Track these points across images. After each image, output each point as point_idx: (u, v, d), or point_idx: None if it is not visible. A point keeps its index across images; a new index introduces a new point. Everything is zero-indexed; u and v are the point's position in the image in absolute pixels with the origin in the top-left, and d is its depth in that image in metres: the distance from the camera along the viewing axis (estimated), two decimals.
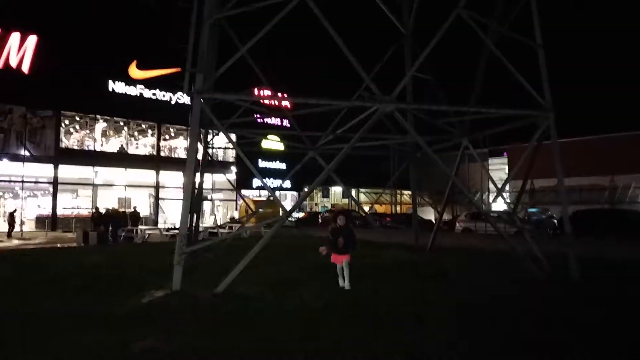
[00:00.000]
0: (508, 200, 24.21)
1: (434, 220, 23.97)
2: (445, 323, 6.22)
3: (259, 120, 35.01)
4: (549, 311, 6.99)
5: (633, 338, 5.49)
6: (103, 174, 32.90)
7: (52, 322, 6.22)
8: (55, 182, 30.32)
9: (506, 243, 11.24)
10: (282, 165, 39.53)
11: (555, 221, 23.28)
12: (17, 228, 25.82)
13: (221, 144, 29.27)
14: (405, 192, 45.32)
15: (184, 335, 5.60)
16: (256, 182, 38.94)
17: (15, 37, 28.47)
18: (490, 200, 31.54)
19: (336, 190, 49.45)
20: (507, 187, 32.18)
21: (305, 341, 5.26)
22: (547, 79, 10.41)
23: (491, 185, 33.85)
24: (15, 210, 26.22)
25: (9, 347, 5.18)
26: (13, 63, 28.39)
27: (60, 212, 30.44)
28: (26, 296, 8.13)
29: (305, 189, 10.39)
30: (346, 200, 48.31)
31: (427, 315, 6.63)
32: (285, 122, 37.09)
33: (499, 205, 28.31)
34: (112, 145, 34.48)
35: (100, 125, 33.77)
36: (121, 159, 33.37)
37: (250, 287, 8.54)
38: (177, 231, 9.40)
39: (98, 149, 33.13)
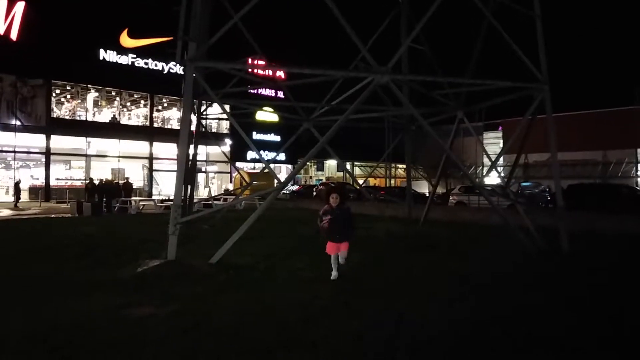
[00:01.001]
0: (502, 174, 24.34)
1: (427, 194, 24.07)
2: (436, 293, 6.32)
3: (252, 91, 34.69)
4: (536, 281, 7.11)
5: (615, 309, 5.62)
6: (96, 144, 32.65)
7: (47, 288, 6.26)
8: (47, 153, 30.07)
9: (499, 216, 11.35)
10: (277, 138, 39.35)
11: (548, 195, 23.43)
12: (11, 199, 25.80)
13: (215, 115, 28.96)
14: (400, 165, 45.39)
15: (179, 301, 5.65)
16: (250, 154, 38.81)
17: (2, 3, 27.76)
18: (484, 173, 31.64)
19: (331, 163, 49.46)
20: (500, 161, 32.34)
21: (296, 307, 5.33)
22: (544, 51, 10.32)
23: (486, 160, 33.94)
24: (19, 181, 26.31)
25: (4, 310, 5.22)
26: (1, 30, 27.75)
27: (53, 182, 30.29)
28: (21, 263, 8.16)
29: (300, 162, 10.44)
30: (341, 174, 48.37)
31: (417, 285, 6.73)
32: (280, 94, 36.77)
33: (493, 180, 28.46)
34: (104, 115, 34.10)
35: (92, 95, 33.31)
36: (114, 129, 33.05)
37: (244, 258, 8.60)
38: (171, 202, 9.36)
39: (90, 119, 32.77)
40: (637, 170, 34.63)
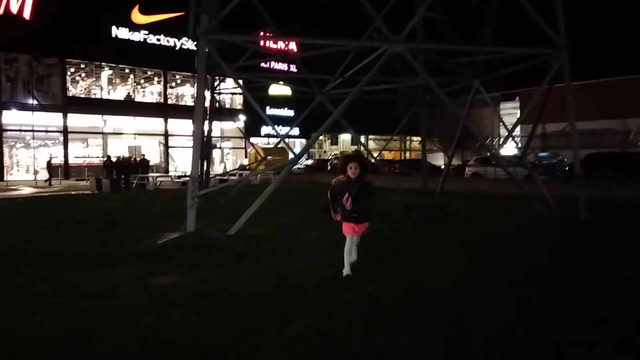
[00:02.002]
0: (519, 145, 24.03)
1: (443, 166, 23.92)
2: (451, 259, 6.38)
3: (265, 66, 34.47)
4: (553, 247, 7.12)
5: (631, 272, 5.62)
6: (112, 122, 32.97)
7: (70, 260, 6.46)
8: (65, 131, 30.50)
9: (515, 187, 11.30)
10: (290, 113, 39.27)
11: (566, 165, 23.13)
12: (31, 177, 26.45)
13: (228, 90, 28.96)
14: (415, 138, 45.04)
15: (199, 270, 5.80)
16: (264, 129, 38.84)
17: None
18: (501, 144, 31.26)
19: (345, 137, 49.31)
20: (518, 132, 31.87)
21: (313, 275, 5.43)
22: (562, 14, 10.04)
23: (502, 131, 33.49)
24: (51, 158, 27.05)
25: (28, 280, 5.42)
26: (14, 9, 27.86)
27: (72, 160, 30.82)
28: (43, 236, 8.40)
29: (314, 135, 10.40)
30: (355, 147, 48.23)
31: (432, 252, 6.79)
32: (293, 68, 36.50)
33: (509, 150, 28.11)
34: (119, 93, 34.34)
35: (106, 73, 33.49)
36: (129, 107, 33.30)
37: (261, 229, 8.74)
38: (188, 178, 9.49)
39: (105, 97, 33.02)
40: None
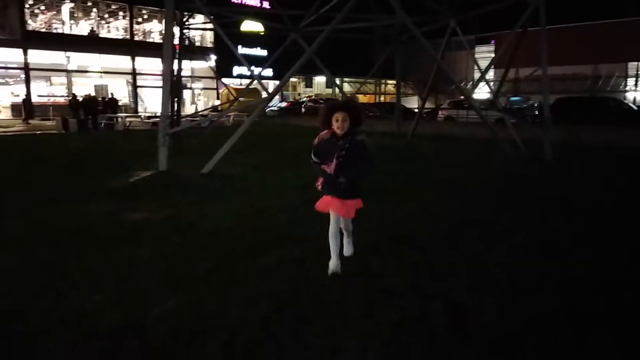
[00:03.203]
0: (492, 88, 24.17)
1: (417, 109, 24.01)
2: (421, 196, 6.57)
3: (236, 0, 33.05)
4: (514, 183, 7.40)
5: (581, 204, 5.93)
6: (76, 59, 31.46)
7: (40, 197, 6.37)
8: (26, 68, 29.00)
9: (486, 130, 11.48)
10: (264, 52, 38.15)
11: (536, 110, 23.53)
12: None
13: (198, 26, 27.75)
14: (390, 82, 44.70)
15: (172, 207, 5.83)
16: (237, 69, 37.80)
17: None
18: (476, 88, 31.38)
19: (320, 80, 48.52)
20: (491, 76, 31.96)
21: (287, 210, 5.53)
22: None
23: (477, 75, 33.48)
24: (27, 97, 26.51)
25: (1, 217, 5.35)
26: None
27: (35, 99, 29.52)
28: (10, 174, 8.21)
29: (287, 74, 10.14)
30: (330, 90, 47.64)
31: (403, 188, 6.96)
32: (265, 4, 35.14)
33: (483, 94, 28.30)
34: (82, 28, 32.55)
35: (67, 5, 31.54)
36: (93, 43, 31.70)
37: (235, 168, 8.74)
38: (158, 119, 9.28)
39: (67, 32, 31.29)
40: (626, 84, 34.58)
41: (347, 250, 4.01)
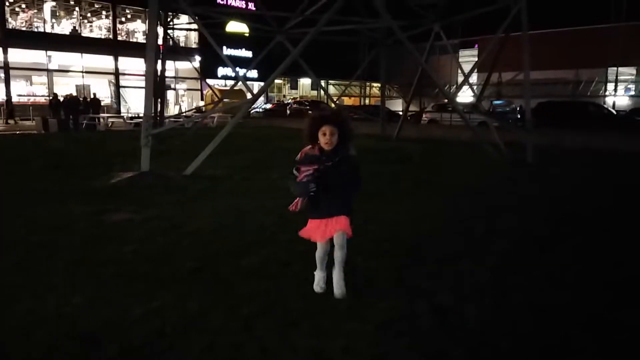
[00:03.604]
0: (475, 92, 24.46)
1: (401, 113, 24.18)
2: (405, 197, 6.59)
3: (221, 2, 32.88)
4: (497, 184, 7.49)
5: (561, 205, 6.01)
6: (57, 58, 30.97)
7: (21, 197, 6.25)
8: (6, 67, 28.44)
9: (470, 133, 11.61)
10: (249, 54, 38.01)
11: (518, 114, 23.85)
12: None
13: (182, 26, 27.52)
14: (375, 84, 44.89)
15: (155, 207, 5.75)
16: (221, 70, 37.60)
17: None
18: (459, 91, 31.66)
19: (305, 82, 48.51)
20: (475, 80, 32.32)
21: (272, 212, 5.48)
22: None
23: (460, 79, 33.82)
24: (10, 97, 26.29)
25: None
26: None
27: (15, 99, 28.96)
28: None
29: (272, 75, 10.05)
30: (315, 93, 47.65)
31: (387, 191, 6.98)
32: (251, 6, 35.05)
33: (466, 98, 28.61)
34: (64, 27, 32.07)
35: (49, 4, 31.05)
36: (75, 42, 31.24)
37: (219, 170, 8.69)
38: (141, 120, 9.17)
39: (49, 30, 30.79)
40: (605, 89, 35.25)
41: (338, 288, 3.18)
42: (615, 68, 33.95)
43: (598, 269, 3.85)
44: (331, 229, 3.17)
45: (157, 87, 12.11)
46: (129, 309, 2.96)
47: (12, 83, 28.84)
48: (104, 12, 33.62)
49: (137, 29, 35.50)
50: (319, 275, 3.34)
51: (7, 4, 29.04)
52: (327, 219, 3.17)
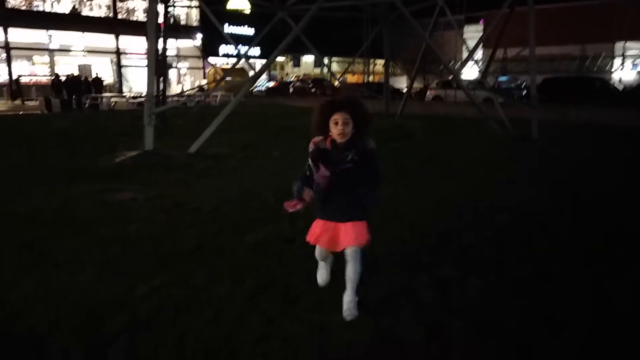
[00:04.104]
0: (480, 68, 24.17)
1: (405, 90, 23.97)
2: (408, 174, 6.58)
3: None
4: (503, 162, 7.46)
5: (564, 180, 6.01)
6: (58, 38, 30.72)
7: (26, 177, 6.28)
8: (7, 47, 28.26)
9: (474, 109, 11.51)
10: (250, 31, 37.56)
11: (524, 89, 23.59)
12: None
13: (183, 3, 27.15)
14: (379, 61, 44.36)
15: (159, 186, 5.77)
16: (223, 49, 37.22)
17: None
18: (464, 67, 31.29)
19: (308, 59, 48.01)
20: (480, 56, 31.89)
21: (275, 189, 5.48)
22: None
23: (465, 55, 33.40)
24: (19, 76, 26.46)
25: None
26: None
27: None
28: None
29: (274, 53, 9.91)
30: (318, 70, 47.21)
31: (391, 168, 6.96)
32: None
33: (470, 74, 28.29)
34: (64, 6, 31.72)
35: None
36: (76, 21, 30.94)
37: (222, 148, 8.68)
38: (143, 99, 9.13)
39: (48, 9, 30.47)
40: (612, 65, 34.74)
41: (348, 310, 2.64)
42: (623, 43, 33.39)
43: (599, 241, 3.86)
44: (341, 241, 2.64)
45: (158, 66, 12.01)
46: (134, 285, 3.00)
47: (14, 63, 28.71)
48: None
49: (137, 7, 35.08)
50: (321, 268, 3.01)
51: None
52: (335, 224, 2.66)
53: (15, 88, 25.38)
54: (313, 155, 2.68)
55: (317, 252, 2.92)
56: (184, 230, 4.12)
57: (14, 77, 26.91)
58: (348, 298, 2.69)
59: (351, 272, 2.66)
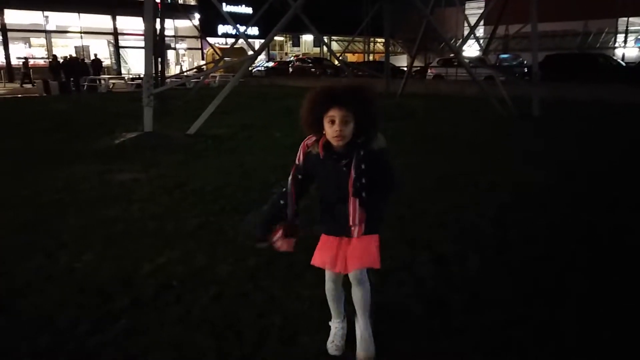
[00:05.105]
0: (482, 45, 23.90)
1: (406, 68, 23.75)
2: (408, 152, 6.58)
3: None
4: (503, 140, 7.45)
5: (564, 158, 6.01)
6: (55, 19, 30.40)
7: (26, 159, 6.28)
8: (3, 29, 27.99)
9: (476, 87, 11.43)
10: (249, 10, 37.07)
11: (525, 67, 23.37)
12: None
13: None
14: (379, 40, 43.87)
15: (159, 167, 5.78)
16: (222, 28, 36.80)
17: None
18: (465, 45, 30.96)
19: (307, 39, 47.48)
20: (481, 34, 31.52)
21: (276, 169, 5.50)
22: None
23: (466, 32, 33.02)
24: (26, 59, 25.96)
25: None
26: None
27: (14, 62, 28.66)
28: None
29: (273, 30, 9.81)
30: (317, 50, 46.72)
31: (391, 146, 6.95)
32: None
33: (471, 52, 28.01)
34: None
35: None
36: (72, 2, 30.55)
37: (222, 129, 8.67)
38: (142, 80, 9.07)
39: None
40: (615, 40, 34.35)
41: (363, 348, 2.09)
42: (626, 18, 32.94)
43: (598, 218, 3.88)
44: (348, 263, 2.03)
45: (156, 46, 11.90)
46: (138, 264, 3.04)
47: (10, 45, 28.47)
48: None
49: None
50: (334, 327, 2.23)
51: None
52: (340, 239, 2.05)
53: (24, 71, 25.16)
54: (297, 168, 2.07)
55: (327, 286, 2.19)
56: (186, 210, 4.14)
57: (22, 60, 26.66)
58: (362, 328, 2.12)
59: (358, 294, 2.11)
